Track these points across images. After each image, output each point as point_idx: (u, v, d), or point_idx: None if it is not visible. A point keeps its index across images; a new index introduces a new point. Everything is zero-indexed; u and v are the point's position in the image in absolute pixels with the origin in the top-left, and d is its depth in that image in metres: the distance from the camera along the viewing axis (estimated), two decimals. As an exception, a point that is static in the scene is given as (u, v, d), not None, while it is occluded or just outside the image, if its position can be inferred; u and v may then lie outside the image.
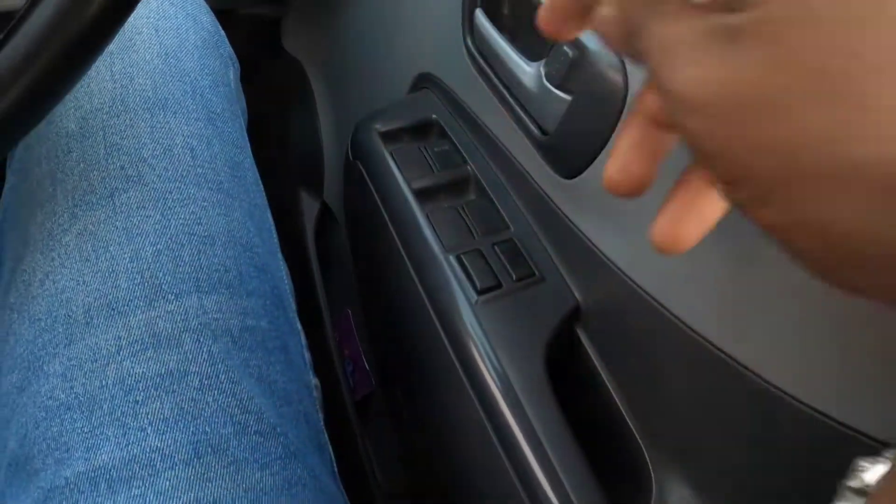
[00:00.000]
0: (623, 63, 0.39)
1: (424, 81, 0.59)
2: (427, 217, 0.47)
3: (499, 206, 0.48)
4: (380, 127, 0.53)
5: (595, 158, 0.42)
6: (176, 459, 0.39)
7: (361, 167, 0.53)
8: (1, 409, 0.44)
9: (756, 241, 0.30)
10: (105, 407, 0.40)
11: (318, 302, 0.75)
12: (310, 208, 0.80)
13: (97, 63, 0.52)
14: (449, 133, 0.53)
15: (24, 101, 0.35)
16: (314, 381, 0.51)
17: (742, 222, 0.20)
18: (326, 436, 0.49)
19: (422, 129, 0.54)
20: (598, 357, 0.45)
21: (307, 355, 0.51)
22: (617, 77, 0.39)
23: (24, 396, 0.42)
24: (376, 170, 0.51)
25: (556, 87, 0.43)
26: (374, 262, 0.53)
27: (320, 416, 0.49)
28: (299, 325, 0.52)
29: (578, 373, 0.45)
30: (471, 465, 0.44)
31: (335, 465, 0.49)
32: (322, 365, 0.73)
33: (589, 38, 0.41)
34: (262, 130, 0.94)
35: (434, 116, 0.54)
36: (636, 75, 0.39)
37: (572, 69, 0.41)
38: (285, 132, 0.88)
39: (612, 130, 0.40)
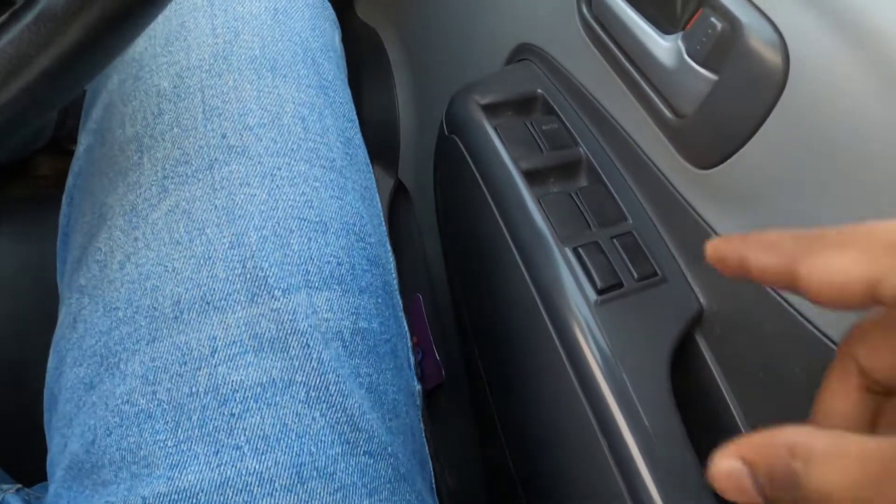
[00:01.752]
0: (782, 39, 0.34)
1: (524, 53, 0.54)
2: (538, 202, 0.42)
3: (614, 194, 0.43)
4: (479, 98, 0.49)
5: (739, 149, 0.37)
6: (276, 485, 0.33)
7: (460, 142, 0.48)
8: (64, 405, 0.39)
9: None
10: (194, 419, 0.35)
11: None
12: (383, 185, 0.75)
13: (195, 14, 0.46)
14: (556, 109, 0.48)
15: (87, 35, 0.29)
16: (418, 386, 0.46)
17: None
18: (428, 450, 0.44)
19: (525, 104, 0.49)
20: (717, 366, 0.40)
21: (412, 358, 0.46)
22: (775, 55, 0.34)
23: (93, 395, 0.37)
24: (478, 146, 0.46)
25: (700, 65, 0.38)
26: (470, 248, 0.48)
27: (422, 427, 0.44)
28: (406, 325, 0.47)
29: (694, 383, 0.41)
30: (576, 478, 0.40)
31: (434, 480, 0.44)
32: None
33: (739, 8, 0.36)
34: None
35: (539, 90, 0.50)
36: (798, 54, 0.34)
37: (720, 44, 0.36)
38: (358, 104, 0.84)
39: (766, 117, 0.35)
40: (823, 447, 0.20)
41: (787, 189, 0.35)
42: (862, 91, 0.31)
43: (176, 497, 0.33)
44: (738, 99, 0.36)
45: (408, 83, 0.77)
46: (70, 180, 0.47)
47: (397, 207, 0.76)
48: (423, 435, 0.44)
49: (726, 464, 0.22)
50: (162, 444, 0.34)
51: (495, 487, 0.56)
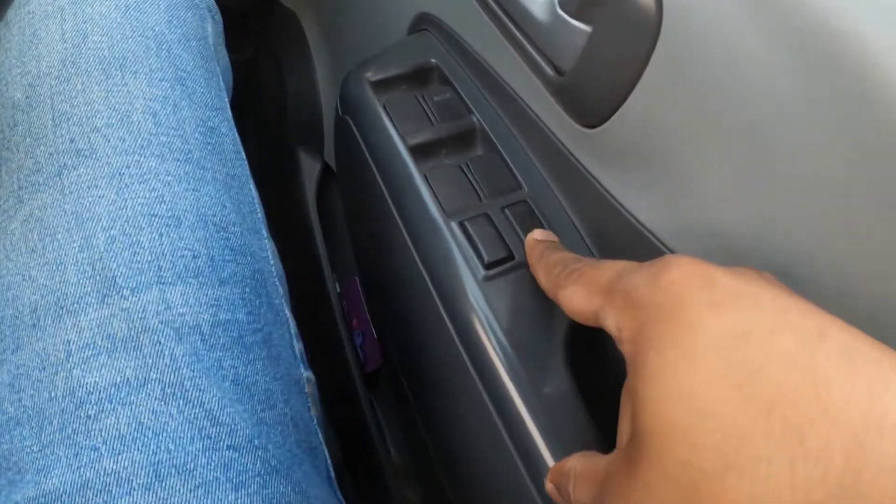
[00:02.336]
0: (654, -18, 0.32)
1: (423, 23, 0.52)
2: (425, 177, 0.40)
3: (509, 162, 0.41)
4: (371, 75, 0.46)
5: (622, 103, 0.35)
6: (134, 484, 0.33)
7: (352, 122, 0.46)
8: None
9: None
10: (55, 423, 0.34)
11: (321, 269, 0.69)
12: (310, 169, 0.73)
13: (46, 21, 0.45)
14: (451, 79, 0.46)
15: None
16: (306, 374, 0.44)
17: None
18: (321, 437, 0.43)
19: (420, 76, 0.47)
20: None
21: (297, 346, 0.45)
22: (648, 1, 0.32)
23: None
24: (367, 124, 0.44)
25: (573, 17, 0.35)
26: (367, 229, 0.46)
27: (313, 415, 0.43)
28: (288, 312, 0.45)
29: (599, 352, 0.39)
30: (476, 453, 0.38)
31: (331, 468, 0.43)
32: (328, 337, 0.68)
33: (610, -45, 0.34)
34: (256, 87, 0.88)
35: (433, 61, 0.47)
36: (671, -2, 0.32)
37: (591, -7, 0.34)
38: (281, 88, 0.81)
39: (644, 66, 0.33)
40: (580, 471, 0.29)
41: (674, 141, 0.33)
42: (740, 27, 0.29)
43: (43, 501, 0.33)
44: (615, 50, 0.34)
45: (326, 63, 0.74)
46: None
47: (326, 191, 0.74)
48: (314, 423, 0.43)
49: (548, 486, 0.32)
50: (29, 450, 0.34)
51: (425, 466, 0.54)
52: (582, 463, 0.29)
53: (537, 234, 0.37)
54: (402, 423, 0.65)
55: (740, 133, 0.30)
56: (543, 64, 0.38)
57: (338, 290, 0.70)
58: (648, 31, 0.32)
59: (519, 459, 0.34)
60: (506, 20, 0.41)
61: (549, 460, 0.33)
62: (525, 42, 0.39)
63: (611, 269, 0.29)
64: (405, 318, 0.42)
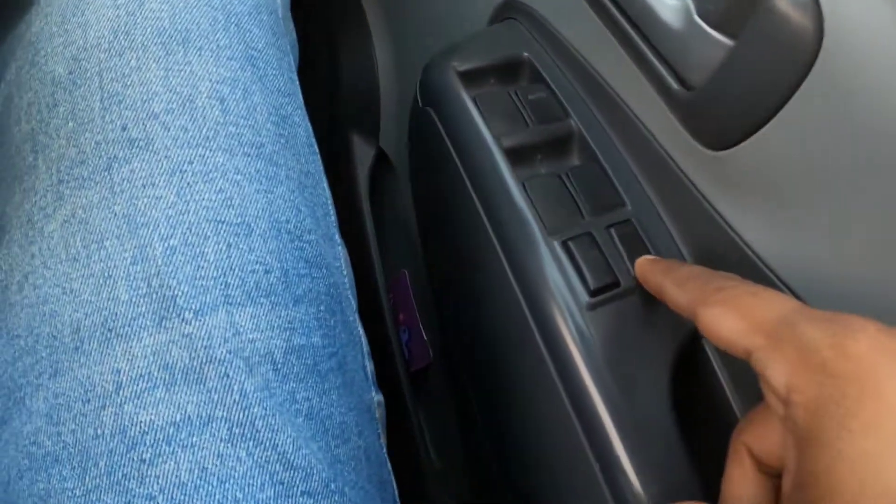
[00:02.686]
0: (815, -1, 0.29)
1: (509, 11, 0.48)
2: (523, 186, 0.37)
3: (611, 175, 0.38)
4: (458, 65, 0.43)
5: (758, 129, 0.31)
6: None
7: (435, 116, 0.42)
8: None
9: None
10: (101, 465, 0.30)
11: (371, 261, 0.66)
12: (363, 155, 0.70)
13: None
14: (545, 76, 0.42)
15: None
16: (377, 398, 0.41)
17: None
18: (389, 468, 0.39)
19: (510, 70, 0.44)
20: (725, 376, 0.35)
21: (370, 366, 0.40)
22: (805, 17, 0.29)
23: (6, 431, 0.32)
24: (455, 119, 0.41)
25: (714, 27, 0.32)
26: (447, 233, 0.43)
27: (383, 442, 0.39)
28: (361, 329, 0.41)
29: (700, 394, 0.36)
30: (565, 495, 0.35)
31: (398, 501, 0.39)
32: (374, 332, 0.65)
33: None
34: (308, 67, 0.84)
35: (526, 54, 0.44)
36: (834, 15, 0.28)
37: (738, 3, 0.31)
38: (335, 70, 0.77)
39: (793, 91, 0.30)
40: None
41: (814, 178, 0.30)
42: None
43: None
44: (760, 69, 0.31)
45: (388, 45, 0.71)
46: None
47: (379, 178, 0.71)
48: (384, 451, 0.39)
49: None
50: (70, 494, 0.30)
51: (479, 480, 0.52)
52: None
53: (649, 258, 0.34)
54: (443, 424, 0.63)
55: (893, 191, 0.27)
56: (667, 75, 0.35)
57: (385, 282, 0.67)
58: (803, 55, 0.29)
59: (606, 487, 0.32)
60: (622, 21, 0.37)
61: (639, 491, 0.31)
62: (645, 48, 0.36)
63: (774, 304, 0.26)
64: (486, 332, 0.39)
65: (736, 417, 0.35)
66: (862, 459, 0.21)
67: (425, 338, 0.63)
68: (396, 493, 0.39)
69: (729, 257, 0.34)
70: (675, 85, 0.34)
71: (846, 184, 0.29)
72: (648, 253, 0.36)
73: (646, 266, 0.34)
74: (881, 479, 0.20)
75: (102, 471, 0.30)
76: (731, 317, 0.26)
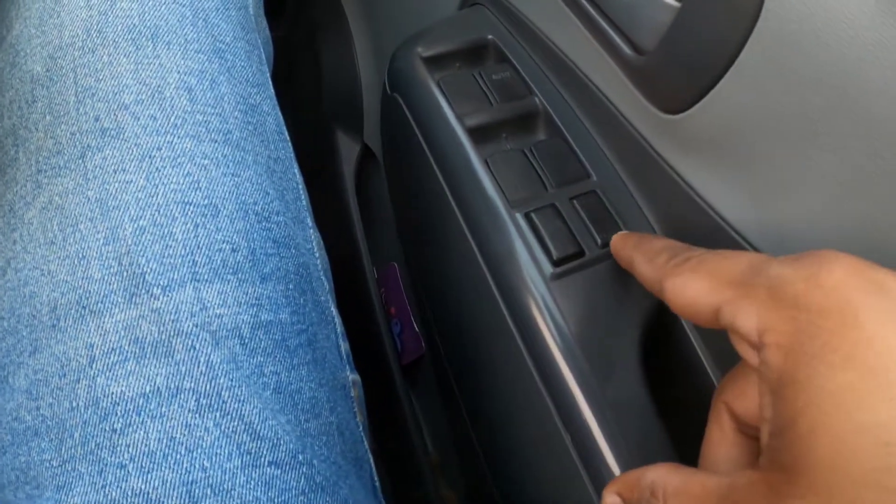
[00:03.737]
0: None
1: (477, -4, 0.48)
2: (486, 163, 0.37)
3: (576, 148, 0.38)
4: (422, 51, 0.43)
5: (711, 88, 0.31)
6: None
7: (401, 101, 0.43)
8: None
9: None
10: (76, 436, 0.31)
11: (360, 256, 0.66)
12: (349, 151, 0.70)
13: None
14: (510, 56, 0.43)
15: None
16: (352, 377, 0.41)
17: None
18: (366, 445, 0.40)
19: (475, 53, 0.44)
20: (698, 339, 0.35)
21: (344, 346, 0.41)
22: (746, -28, 0.29)
23: None
24: (420, 103, 0.41)
25: (659, -10, 0.32)
26: (418, 217, 0.43)
27: (359, 421, 0.40)
28: (334, 309, 0.42)
29: (675, 359, 0.36)
30: (536, 462, 0.35)
31: (376, 478, 0.40)
32: (365, 326, 0.65)
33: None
34: (292, 65, 0.84)
35: (490, 37, 0.44)
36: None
37: (682, -36, 0.31)
38: (318, 66, 0.77)
39: (740, 48, 0.30)
40: (674, 487, 0.25)
41: (769, 133, 0.30)
42: (857, 10, 0.26)
43: None
44: (707, 28, 0.31)
45: (366, 38, 0.71)
46: None
47: (365, 174, 0.71)
48: (360, 430, 0.39)
49: (609, 499, 0.27)
50: (48, 464, 0.31)
51: (468, 464, 0.52)
52: (676, 478, 0.25)
53: (622, 233, 0.34)
54: (439, 416, 0.63)
55: (854, 130, 0.27)
56: (620, 42, 0.35)
57: (375, 276, 0.67)
58: (747, 10, 0.29)
59: (580, 463, 0.32)
60: (577, -7, 0.37)
61: (614, 465, 0.31)
62: (598, 17, 0.36)
63: (741, 259, 0.25)
64: (459, 312, 0.39)
65: (710, 381, 0.35)
66: (844, 393, 0.19)
67: (417, 330, 0.63)
68: (374, 470, 0.39)
69: (695, 222, 0.34)
70: (628, 51, 0.34)
71: (800, 135, 0.29)
72: (614, 222, 0.36)
73: (618, 241, 0.33)
74: (866, 413, 0.19)
75: (77, 441, 0.31)
76: (695, 280, 0.25)
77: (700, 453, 0.28)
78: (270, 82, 0.45)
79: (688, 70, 0.32)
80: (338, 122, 0.72)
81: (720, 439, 0.27)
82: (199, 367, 0.32)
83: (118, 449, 0.31)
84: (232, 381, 0.33)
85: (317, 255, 0.42)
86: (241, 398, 0.32)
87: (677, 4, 0.32)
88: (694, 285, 0.25)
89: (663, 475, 0.25)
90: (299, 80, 0.81)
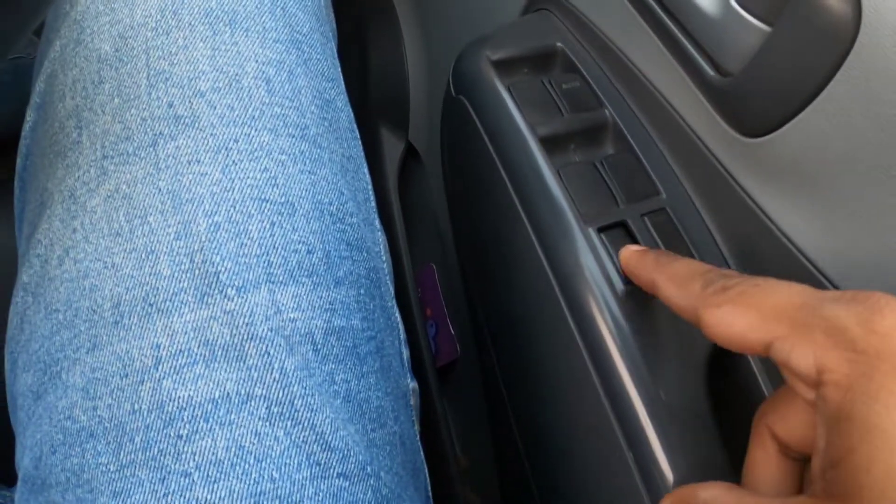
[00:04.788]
0: (853, -17, 0.28)
1: (542, 2, 0.48)
2: (558, 174, 0.37)
3: (645, 164, 0.38)
4: (491, 54, 0.43)
5: (795, 115, 0.31)
6: None
7: (468, 104, 0.43)
8: (18, 412, 0.35)
9: None
10: (137, 440, 0.30)
11: (399, 255, 0.66)
12: (392, 149, 0.70)
13: None
14: (578, 65, 0.42)
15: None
16: (412, 384, 0.40)
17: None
18: (423, 456, 0.39)
19: (544, 60, 0.44)
20: (761, 368, 0.35)
21: (405, 353, 0.40)
22: (842, 3, 0.28)
23: (40, 406, 0.33)
24: (488, 108, 0.41)
25: (750, 13, 0.32)
26: (480, 222, 0.43)
27: (416, 430, 0.39)
28: (398, 315, 0.41)
29: (735, 384, 0.36)
30: (597, 487, 0.35)
31: (430, 490, 0.39)
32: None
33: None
34: (339, 60, 0.84)
35: (559, 44, 0.44)
36: (872, 1, 0.28)
37: (776, -12, 0.31)
38: (364, 63, 0.77)
39: (830, 77, 0.29)
40: None
41: (852, 167, 0.30)
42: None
43: None
44: (797, 55, 0.30)
45: (417, 37, 0.71)
46: (19, 162, 0.41)
47: (408, 172, 0.71)
48: (418, 439, 0.39)
49: None
50: (104, 469, 0.30)
51: (507, 474, 0.51)
52: (730, 498, 0.26)
53: (633, 246, 0.33)
54: (468, 420, 0.63)
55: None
56: (702, 62, 0.34)
57: (413, 277, 0.67)
58: (840, 41, 0.29)
59: (640, 480, 0.32)
60: (656, 9, 0.37)
61: (669, 474, 0.31)
62: (680, 35, 0.36)
63: (790, 293, 0.25)
64: (520, 322, 0.39)
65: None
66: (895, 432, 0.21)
67: (452, 332, 0.63)
68: (429, 482, 0.39)
69: (765, 247, 0.34)
70: (710, 72, 0.34)
71: (885, 171, 0.29)
72: (683, 241, 0.35)
73: (633, 258, 0.32)
74: None
75: (138, 446, 0.30)
76: (742, 313, 0.25)
77: (742, 474, 0.28)
78: (342, 77, 0.45)
79: (773, 95, 0.31)
80: (383, 120, 0.72)
81: (764, 461, 0.27)
82: (272, 373, 0.31)
83: (183, 456, 0.30)
84: (305, 388, 0.32)
85: (384, 258, 0.41)
86: (314, 407, 0.32)
87: (767, 28, 0.31)
88: (741, 320, 0.25)
89: (717, 495, 0.26)
90: (344, 74, 0.81)
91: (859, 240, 0.30)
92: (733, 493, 0.26)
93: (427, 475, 0.39)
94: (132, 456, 0.30)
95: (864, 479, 0.21)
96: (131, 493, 0.29)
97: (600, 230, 0.35)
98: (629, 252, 0.33)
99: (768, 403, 0.27)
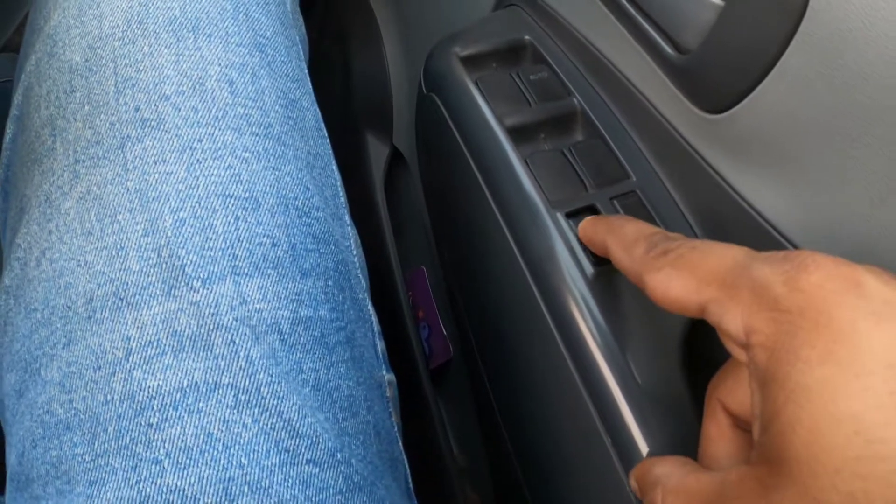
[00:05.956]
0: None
1: (512, -2, 0.48)
2: (525, 162, 0.37)
3: (615, 149, 0.38)
4: (460, 50, 0.43)
5: (754, 88, 0.31)
6: (201, 503, 0.29)
7: (438, 100, 0.43)
8: (4, 412, 0.36)
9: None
10: (110, 430, 0.31)
11: (388, 259, 0.66)
12: (378, 154, 0.70)
13: None
14: (547, 57, 0.43)
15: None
16: (388, 376, 0.41)
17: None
18: (401, 446, 0.39)
19: (512, 54, 0.44)
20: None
21: (380, 345, 0.41)
22: (794, -29, 0.28)
23: (22, 403, 0.34)
24: (458, 103, 0.41)
25: (703, -12, 0.32)
26: (454, 217, 0.43)
27: (394, 421, 0.40)
28: (371, 307, 0.41)
29: (710, 359, 0.36)
30: (575, 467, 0.35)
31: (409, 479, 0.39)
32: (393, 329, 0.65)
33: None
34: (321, 68, 0.85)
35: (527, 37, 0.44)
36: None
37: (727, -38, 0.31)
38: (347, 69, 0.78)
39: (785, 47, 0.29)
40: (673, 484, 0.25)
41: (813, 133, 0.30)
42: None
43: None
44: (751, 26, 0.30)
45: (398, 44, 0.71)
46: (1, 173, 0.43)
47: (396, 176, 0.71)
48: (395, 430, 0.39)
49: (631, 482, 0.29)
50: (80, 459, 0.31)
51: (498, 467, 0.51)
52: (677, 474, 0.26)
53: (591, 217, 0.34)
54: (465, 420, 0.63)
55: (893, 140, 0.27)
56: (661, 41, 0.35)
57: (403, 279, 0.67)
58: (792, 8, 0.29)
59: (619, 464, 0.32)
60: (616, -7, 0.37)
61: (644, 455, 0.31)
62: (638, 16, 0.36)
63: (724, 255, 0.25)
64: (496, 312, 0.39)
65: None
66: (818, 388, 0.20)
67: (445, 333, 0.63)
68: (408, 472, 0.39)
69: (736, 223, 0.34)
70: (669, 50, 0.34)
71: (846, 134, 0.28)
72: (654, 223, 0.35)
73: (588, 226, 0.33)
74: (839, 405, 0.20)
75: (111, 436, 0.31)
76: (679, 276, 0.25)
77: (699, 449, 0.28)
78: (308, 78, 0.45)
79: (731, 69, 0.32)
80: (367, 125, 0.72)
81: (718, 435, 0.27)
82: (238, 362, 0.32)
83: (153, 444, 0.30)
84: (271, 376, 0.32)
85: (354, 252, 0.42)
86: (281, 395, 0.32)
87: (720, 3, 0.31)
88: (677, 283, 0.25)
89: (668, 471, 0.26)
90: (328, 81, 0.82)
91: (825, 208, 0.30)
92: (685, 467, 0.26)
93: (407, 466, 0.39)
94: (106, 445, 0.31)
95: (790, 439, 0.20)
96: (106, 481, 0.30)
97: (569, 215, 0.35)
98: (585, 221, 0.33)
99: (718, 376, 0.27)
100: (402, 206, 0.70)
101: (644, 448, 0.30)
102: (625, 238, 0.29)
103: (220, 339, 0.32)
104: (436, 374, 0.65)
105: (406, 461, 0.39)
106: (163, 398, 0.31)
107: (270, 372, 0.32)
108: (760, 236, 0.33)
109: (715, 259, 0.25)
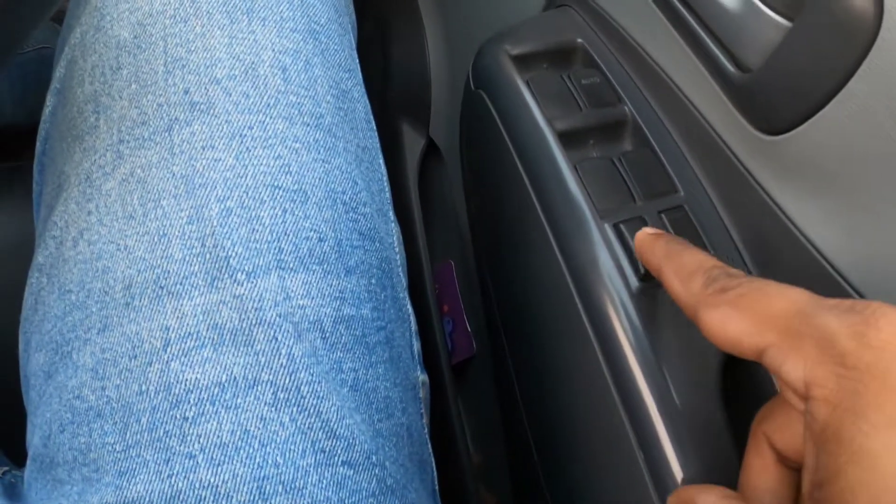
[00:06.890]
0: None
1: (564, -2, 0.48)
2: (575, 169, 0.36)
3: (664, 161, 0.37)
4: (511, 48, 0.43)
5: (816, 112, 0.30)
6: (234, 500, 0.29)
7: (487, 98, 0.42)
8: (30, 392, 0.35)
9: None
10: (143, 421, 0.30)
11: (417, 250, 0.66)
12: (413, 144, 0.70)
13: None
14: (598, 61, 0.42)
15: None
16: (422, 377, 0.40)
17: None
18: (430, 448, 0.39)
19: (563, 55, 0.43)
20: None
21: (416, 345, 0.40)
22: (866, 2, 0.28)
23: (50, 385, 0.33)
24: (507, 102, 0.41)
25: (771, 8, 0.31)
26: (497, 217, 0.43)
27: (425, 422, 0.39)
28: (410, 307, 0.41)
29: (749, 382, 0.35)
30: (606, 485, 0.35)
31: (436, 483, 0.39)
32: (419, 323, 0.65)
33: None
34: (360, 55, 0.84)
35: (579, 40, 0.43)
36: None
37: (798, -17, 0.30)
38: (386, 58, 0.77)
39: (851, 73, 0.29)
40: None
41: (874, 163, 0.29)
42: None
43: None
44: (818, 50, 0.30)
45: (440, 35, 0.71)
46: (38, 146, 0.42)
47: (429, 169, 0.71)
48: (426, 432, 0.39)
49: None
50: (110, 448, 0.30)
51: (517, 467, 0.51)
52: None
53: (649, 229, 0.32)
54: (482, 418, 0.63)
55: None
56: (721, 56, 0.34)
57: (431, 272, 0.67)
58: (862, 36, 0.28)
59: (649, 478, 0.31)
60: (676, 4, 0.36)
61: (679, 477, 0.30)
62: (700, 31, 0.35)
63: (787, 298, 0.24)
64: (534, 315, 0.38)
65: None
66: (884, 455, 0.19)
67: (469, 330, 0.63)
68: (436, 475, 0.39)
69: (784, 248, 0.34)
70: (730, 67, 0.34)
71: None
72: (700, 241, 0.35)
73: (646, 241, 0.31)
74: None
75: (144, 427, 0.30)
76: (737, 316, 0.24)
77: (739, 480, 0.27)
78: (359, 68, 0.45)
79: (794, 91, 0.31)
80: (403, 113, 0.72)
81: (761, 469, 0.26)
82: (279, 359, 0.31)
83: (188, 438, 0.30)
84: (312, 375, 0.32)
85: (397, 249, 0.41)
86: (320, 394, 0.32)
87: (788, 24, 0.31)
88: (736, 324, 0.24)
89: (713, 501, 0.26)
90: (366, 69, 0.81)
91: (883, 243, 0.30)
92: (729, 500, 0.25)
93: (434, 468, 0.39)
94: (138, 436, 0.30)
95: (851, 502, 0.20)
96: (136, 473, 0.30)
97: (616, 225, 0.34)
98: (643, 234, 0.31)
99: (765, 410, 0.27)
100: (434, 197, 0.70)
101: (679, 473, 0.30)
102: (682, 268, 0.28)
103: (262, 335, 0.31)
104: (457, 370, 0.65)
105: (434, 463, 0.39)
106: (200, 392, 0.30)
107: (311, 371, 0.32)
108: (809, 267, 0.32)
109: (777, 302, 0.24)
